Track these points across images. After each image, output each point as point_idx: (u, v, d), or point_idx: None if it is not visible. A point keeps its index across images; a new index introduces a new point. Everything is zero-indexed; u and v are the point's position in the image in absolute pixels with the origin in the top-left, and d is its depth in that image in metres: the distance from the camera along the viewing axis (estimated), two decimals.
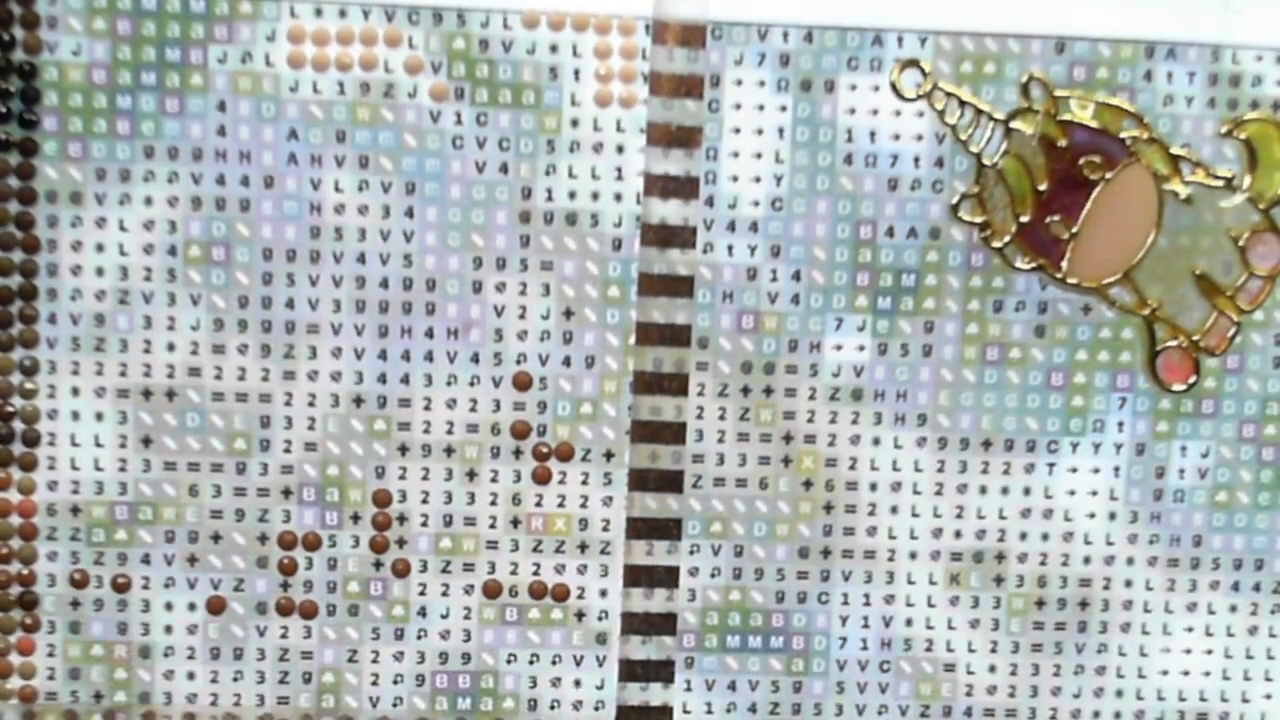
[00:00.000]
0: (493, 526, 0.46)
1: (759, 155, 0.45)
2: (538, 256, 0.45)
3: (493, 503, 0.46)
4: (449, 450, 0.46)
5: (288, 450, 0.46)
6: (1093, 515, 0.47)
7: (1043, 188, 0.46)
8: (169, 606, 0.46)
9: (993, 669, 0.48)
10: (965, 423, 0.47)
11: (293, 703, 0.47)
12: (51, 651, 0.46)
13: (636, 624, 0.47)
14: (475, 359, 0.46)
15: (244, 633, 0.46)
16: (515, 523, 0.46)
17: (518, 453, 0.46)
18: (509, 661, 0.47)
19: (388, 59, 0.44)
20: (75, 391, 0.45)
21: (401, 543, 0.46)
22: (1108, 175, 0.46)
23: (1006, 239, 0.46)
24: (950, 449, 0.47)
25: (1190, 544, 0.48)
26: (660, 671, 0.47)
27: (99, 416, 0.45)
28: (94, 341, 0.45)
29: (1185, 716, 0.48)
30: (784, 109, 0.45)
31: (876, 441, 0.47)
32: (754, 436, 0.46)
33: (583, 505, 0.46)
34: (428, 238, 0.45)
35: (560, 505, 0.46)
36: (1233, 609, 0.48)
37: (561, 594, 0.47)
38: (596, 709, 0.47)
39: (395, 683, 0.47)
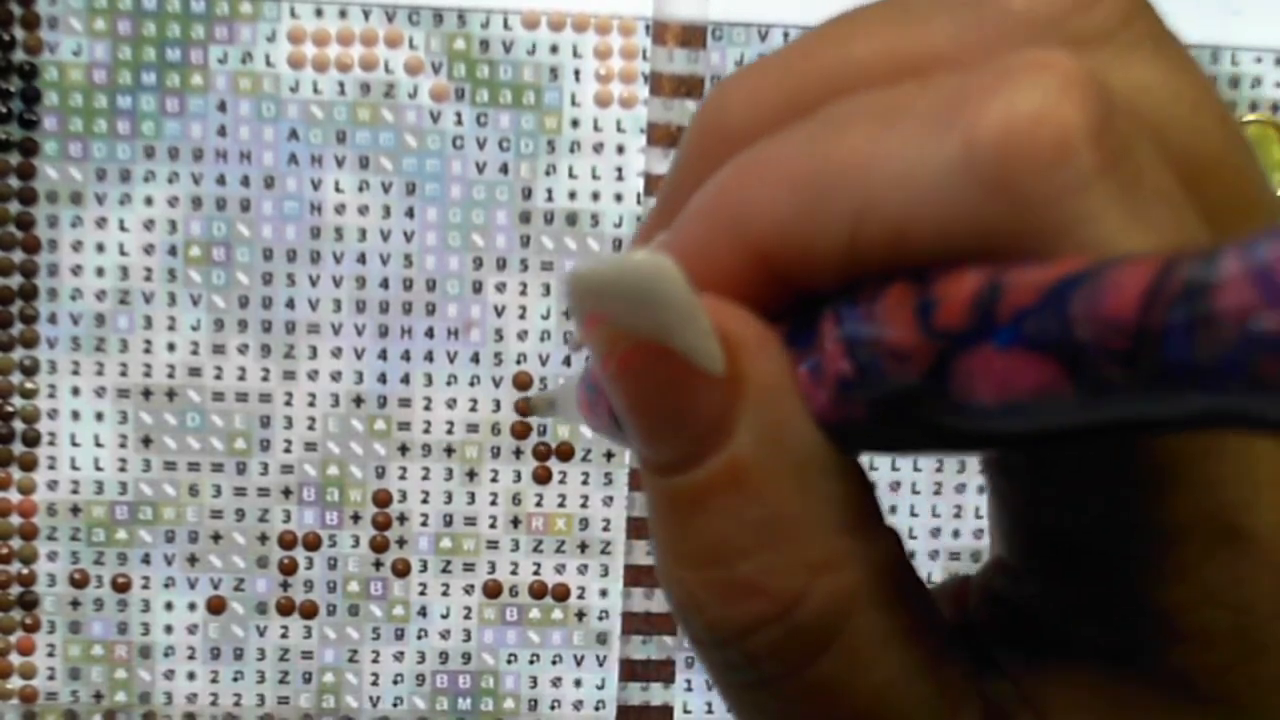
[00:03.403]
0: (493, 526, 0.46)
1: None
2: (538, 256, 0.45)
3: (493, 503, 0.46)
4: (449, 450, 0.46)
5: (288, 450, 0.46)
6: None
7: None
8: (169, 606, 0.46)
9: None
10: None
11: (293, 703, 0.47)
12: (51, 651, 0.46)
13: (637, 624, 0.47)
14: (475, 359, 0.46)
15: (244, 633, 0.46)
16: (515, 523, 0.46)
17: (518, 453, 0.46)
18: (509, 661, 0.47)
19: (388, 59, 0.44)
20: (75, 391, 0.45)
21: (401, 543, 0.46)
22: None
23: None
24: None
25: None
26: (660, 671, 0.47)
27: (99, 416, 0.45)
28: (94, 341, 0.45)
29: None
30: None
31: None
32: None
33: (583, 505, 0.46)
34: (428, 238, 0.45)
35: (560, 505, 0.46)
36: None
37: (561, 594, 0.47)
38: (596, 709, 0.47)
39: (395, 683, 0.47)
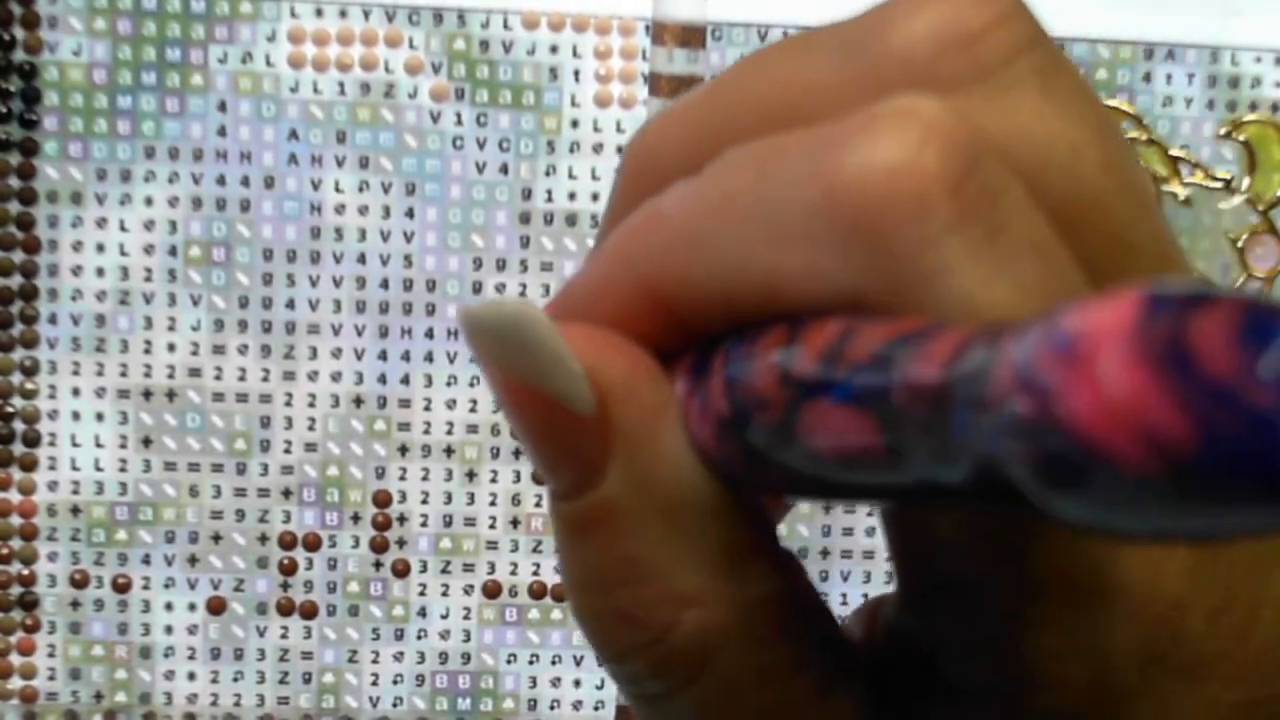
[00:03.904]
0: (492, 527, 0.46)
1: None
2: (538, 257, 0.45)
3: (492, 503, 0.46)
4: (449, 450, 0.46)
5: (288, 450, 0.46)
6: None
7: None
8: (169, 606, 0.46)
9: None
10: None
11: (293, 703, 0.47)
12: (52, 651, 0.46)
13: None
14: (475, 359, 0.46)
15: (244, 633, 0.46)
16: (515, 523, 0.46)
17: (518, 453, 0.46)
18: (509, 662, 0.47)
19: (388, 59, 0.44)
20: (75, 391, 0.45)
21: (401, 543, 0.46)
22: None
23: None
24: None
25: None
26: None
27: (99, 416, 0.45)
28: (94, 342, 0.45)
29: None
30: None
31: None
32: None
33: None
34: (428, 238, 0.45)
35: None
36: None
37: (561, 594, 0.47)
38: (596, 709, 0.47)
39: (395, 683, 0.47)
